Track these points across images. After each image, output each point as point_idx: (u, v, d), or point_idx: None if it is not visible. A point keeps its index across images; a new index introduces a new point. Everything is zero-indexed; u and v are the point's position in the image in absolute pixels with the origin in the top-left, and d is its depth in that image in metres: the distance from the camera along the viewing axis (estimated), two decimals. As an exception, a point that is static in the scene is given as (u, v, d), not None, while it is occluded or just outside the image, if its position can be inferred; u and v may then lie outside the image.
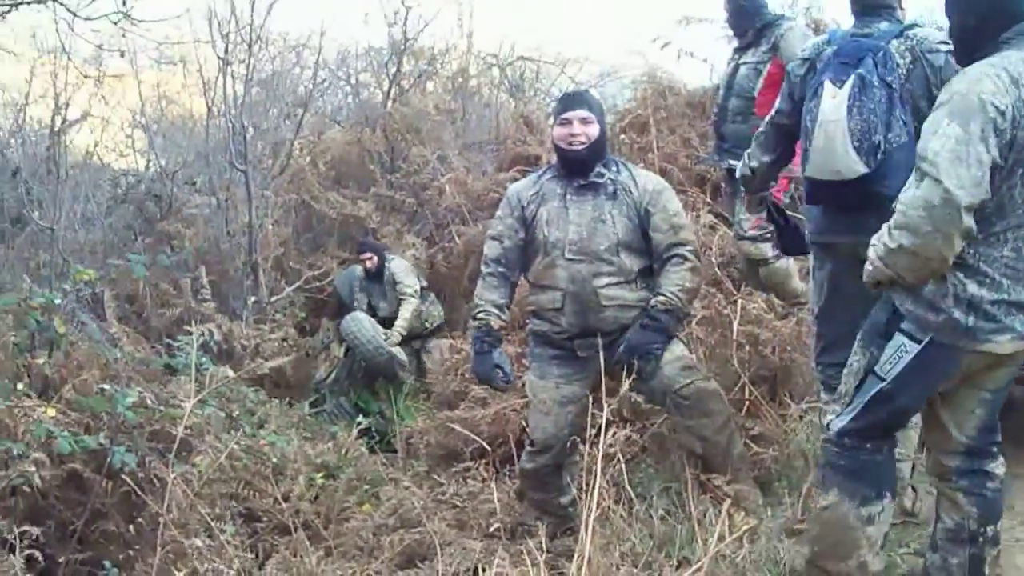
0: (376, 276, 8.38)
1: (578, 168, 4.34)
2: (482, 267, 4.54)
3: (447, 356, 7.60)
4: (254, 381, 6.76)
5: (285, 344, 7.76)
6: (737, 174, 4.35)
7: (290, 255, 9.12)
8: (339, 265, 9.15)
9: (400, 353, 7.93)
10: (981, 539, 3.23)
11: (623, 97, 13.79)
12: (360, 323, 7.93)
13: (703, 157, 7.68)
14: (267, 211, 8.67)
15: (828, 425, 3.34)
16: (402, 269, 8.38)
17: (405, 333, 8.18)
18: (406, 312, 8.23)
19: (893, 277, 2.95)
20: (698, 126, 8.46)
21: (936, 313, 2.96)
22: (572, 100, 4.45)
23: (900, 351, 3.05)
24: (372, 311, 8.38)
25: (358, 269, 8.48)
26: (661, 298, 4.27)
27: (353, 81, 11.96)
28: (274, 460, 5.24)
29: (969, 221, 2.77)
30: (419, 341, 8.37)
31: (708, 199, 7.52)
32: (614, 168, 4.41)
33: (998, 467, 3.27)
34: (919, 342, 3.00)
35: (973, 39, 3.02)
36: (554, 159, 4.69)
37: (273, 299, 8.33)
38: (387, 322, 8.24)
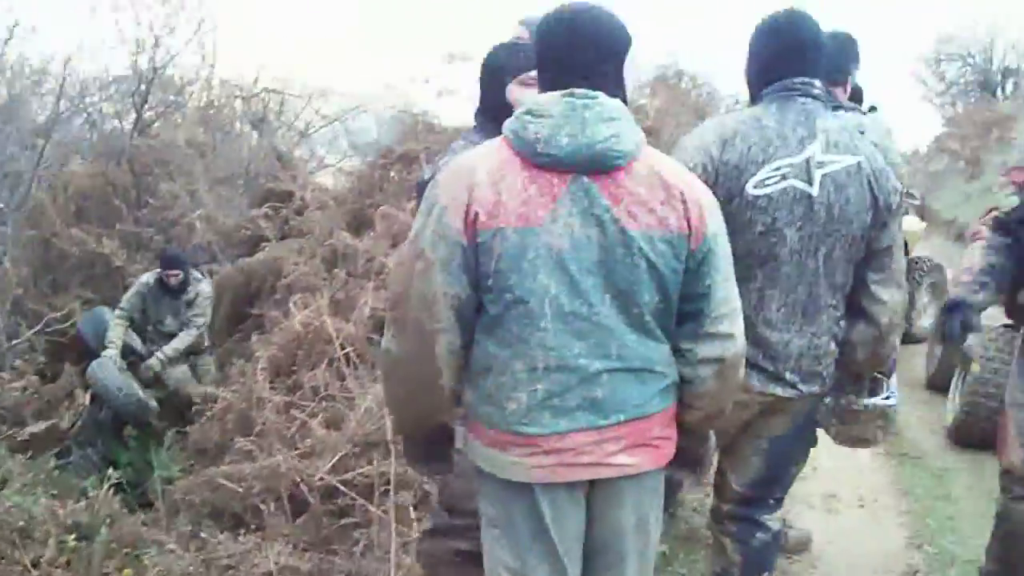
0: (174, 292, 8.11)
1: None
2: None
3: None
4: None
5: (27, 393, 7.34)
6: None
7: (29, 296, 8.66)
8: (83, 306, 8.77)
9: (151, 399, 7.68)
10: None
11: (372, 132, 13.99)
12: (107, 368, 7.62)
13: None
14: (5, 248, 8.21)
15: None
16: (208, 296, 8.25)
17: (169, 359, 8.09)
18: (184, 341, 8.15)
19: None
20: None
21: None
22: None
23: None
24: (156, 326, 8.15)
25: (109, 309, 8.14)
26: None
27: (96, 112, 11.50)
28: (20, 523, 4.95)
29: None
30: (193, 357, 8.25)
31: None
32: None
33: (772, 520, 3.33)
34: None
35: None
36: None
37: (12, 344, 7.89)
38: (170, 338, 8.09)
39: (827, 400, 3.66)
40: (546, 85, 2.40)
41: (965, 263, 3.54)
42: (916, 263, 9.38)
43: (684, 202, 2.35)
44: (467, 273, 2.28)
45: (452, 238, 2.26)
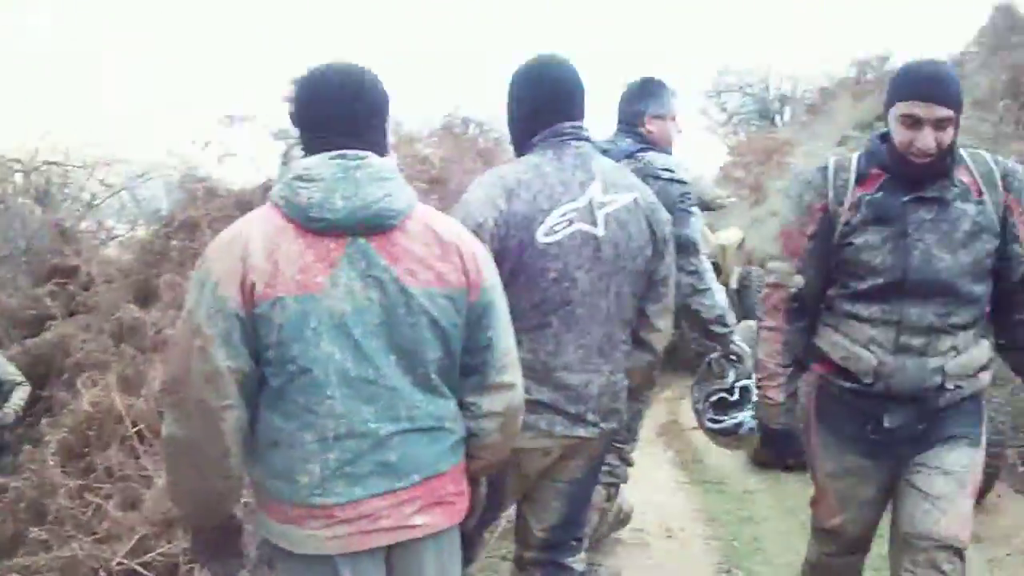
0: None
1: None
2: None
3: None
4: None
5: None
6: None
7: None
8: None
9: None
10: None
11: (160, 200, 13.73)
12: None
13: None
14: None
15: None
16: (4, 362, 7.89)
17: (22, 409, 7.76)
18: (27, 391, 7.80)
19: None
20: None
21: None
22: None
23: None
24: None
25: None
26: None
27: None
28: None
29: None
30: None
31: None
32: None
33: (576, 562, 3.31)
34: None
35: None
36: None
37: None
38: None
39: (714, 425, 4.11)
40: (314, 147, 2.38)
41: (765, 359, 3.36)
42: (747, 277, 9.79)
43: (460, 256, 2.39)
44: (248, 346, 2.23)
45: (229, 310, 2.20)
